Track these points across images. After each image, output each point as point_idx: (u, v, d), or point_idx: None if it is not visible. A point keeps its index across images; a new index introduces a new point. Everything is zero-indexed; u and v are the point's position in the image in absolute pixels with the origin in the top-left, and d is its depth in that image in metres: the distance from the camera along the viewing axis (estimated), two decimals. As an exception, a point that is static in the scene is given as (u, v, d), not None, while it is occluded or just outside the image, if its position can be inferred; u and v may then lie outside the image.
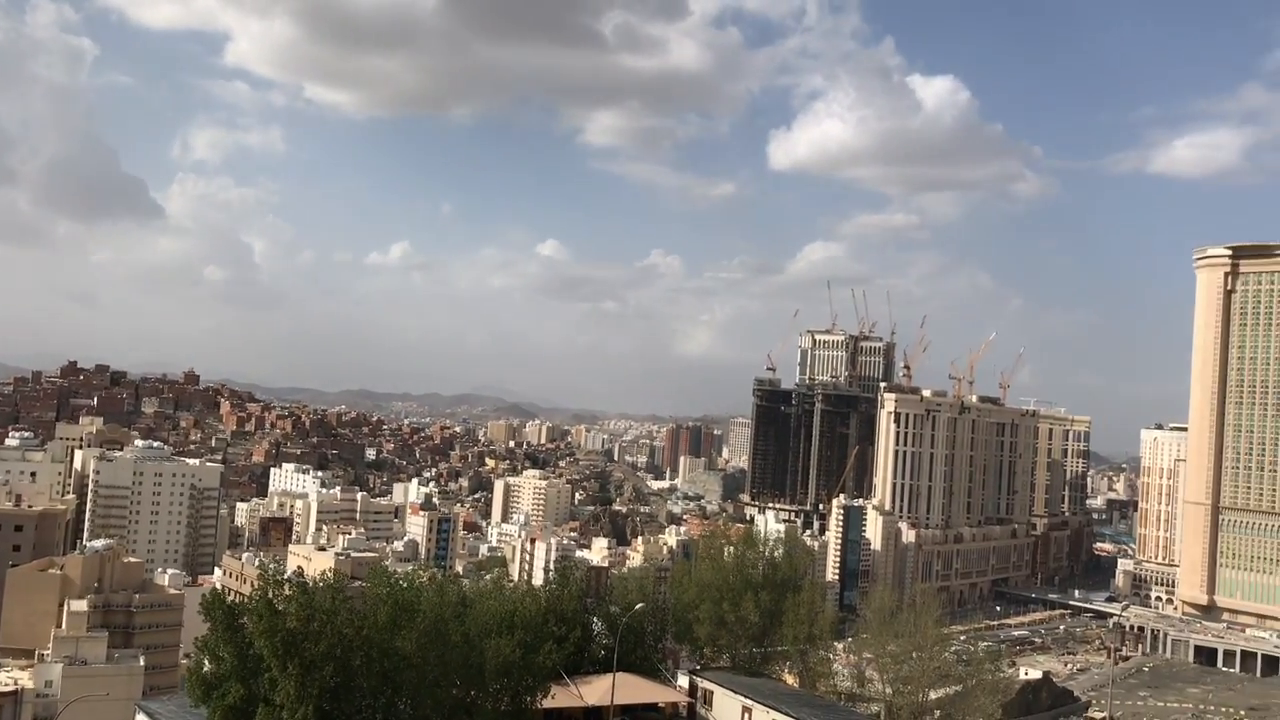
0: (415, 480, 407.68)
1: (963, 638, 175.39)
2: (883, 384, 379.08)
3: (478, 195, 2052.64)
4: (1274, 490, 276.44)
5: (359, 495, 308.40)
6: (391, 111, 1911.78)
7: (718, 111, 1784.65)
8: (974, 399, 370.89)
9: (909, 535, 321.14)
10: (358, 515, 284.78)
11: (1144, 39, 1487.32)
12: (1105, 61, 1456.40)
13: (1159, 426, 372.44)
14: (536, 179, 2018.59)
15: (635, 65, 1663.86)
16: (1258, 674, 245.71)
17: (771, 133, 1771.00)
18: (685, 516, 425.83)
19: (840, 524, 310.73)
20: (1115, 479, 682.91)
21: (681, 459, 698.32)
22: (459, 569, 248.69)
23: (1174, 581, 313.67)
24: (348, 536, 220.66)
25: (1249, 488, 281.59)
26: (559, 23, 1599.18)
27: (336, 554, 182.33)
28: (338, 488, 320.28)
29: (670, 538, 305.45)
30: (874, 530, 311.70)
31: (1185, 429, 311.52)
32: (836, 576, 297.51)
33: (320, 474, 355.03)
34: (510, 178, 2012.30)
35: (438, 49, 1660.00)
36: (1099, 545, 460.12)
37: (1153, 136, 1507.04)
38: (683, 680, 71.72)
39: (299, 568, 65.99)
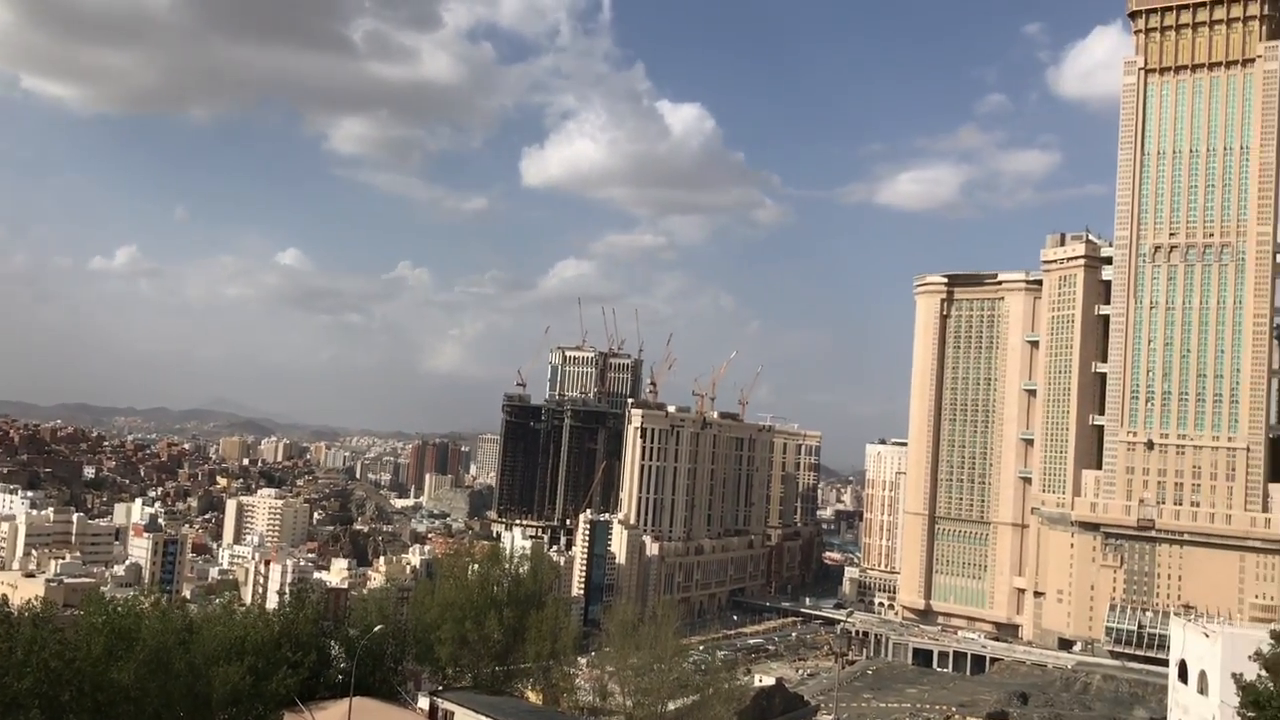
0: (139, 500, 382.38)
1: (701, 648, 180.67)
2: (630, 400, 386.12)
3: (214, 200, 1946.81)
4: (983, 501, 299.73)
5: (75, 516, 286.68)
6: (121, 109, 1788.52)
7: (470, 125, 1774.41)
8: (715, 415, 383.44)
9: (652, 548, 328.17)
10: (73, 538, 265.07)
11: (873, 80, 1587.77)
12: (839, 99, 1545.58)
13: (882, 441, 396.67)
14: (278, 185, 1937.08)
15: (385, 74, 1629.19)
16: (968, 673, 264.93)
17: (525, 149, 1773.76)
18: (430, 535, 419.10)
19: (586, 539, 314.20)
20: (843, 491, 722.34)
21: (427, 476, 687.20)
22: (186, 594, 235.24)
23: (895, 588, 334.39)
24: (61, 561, 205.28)
25: (961, 499, 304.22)
26: (306, 26, 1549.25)
27: (47, 580, 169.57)
28: (50, 509, 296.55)
29: (414, 557, 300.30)
30: (619, 544, 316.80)
31: (905, 444, 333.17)
32: (582, 591, 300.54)
33: (31, 494, 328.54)
34: (250, 183, 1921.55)
35: (174, 45, 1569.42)
36: (828, 554, 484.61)
37: (880, 170, 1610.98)
38: (423, 702, 70.36)
39: (3, 596, 60.85)
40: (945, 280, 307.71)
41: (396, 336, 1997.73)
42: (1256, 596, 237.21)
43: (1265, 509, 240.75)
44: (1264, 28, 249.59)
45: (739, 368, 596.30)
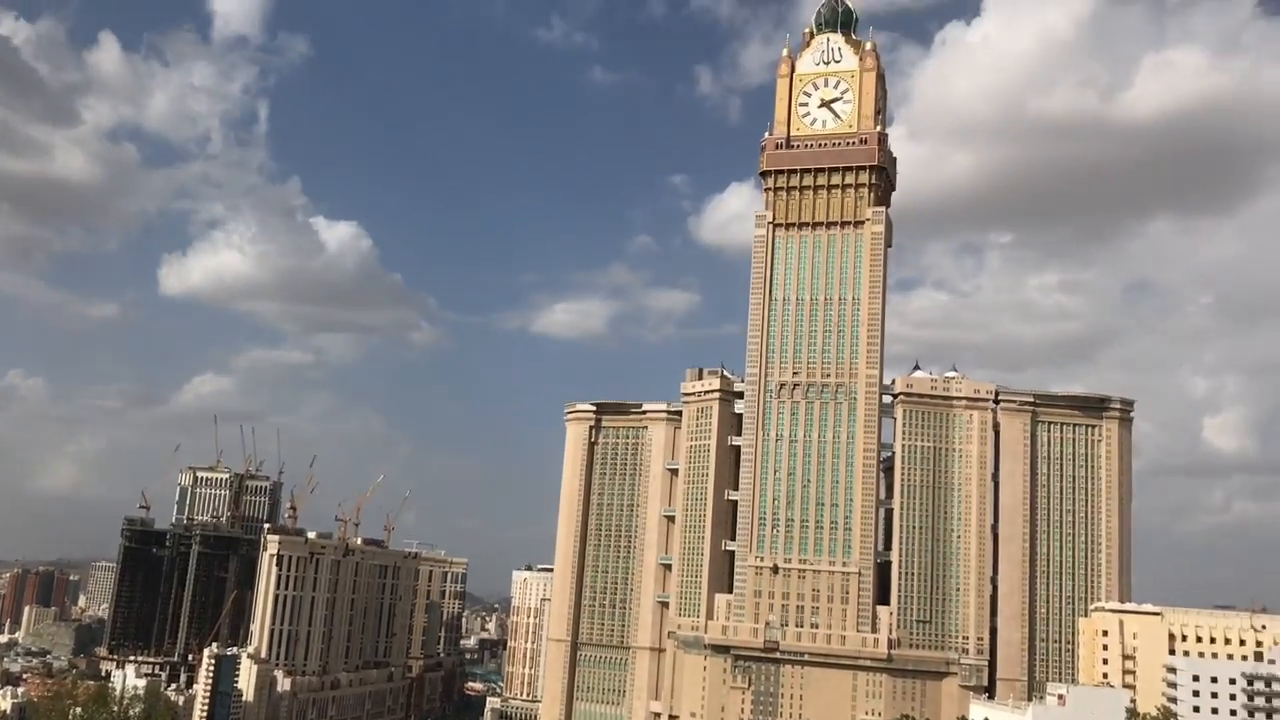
0: None
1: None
2: (267, 525, 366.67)
3: None
4: (623, 626, 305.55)
5: None
6: None
7: (106, 227, 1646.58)
8: (359, 541, 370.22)
9: (284, 683, 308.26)
10: None
11: (533, 213, 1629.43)
12: (498, 229, 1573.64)
13: (529, 568, 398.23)
14: None
15: (9, 167, 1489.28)
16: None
17: (165, 256, 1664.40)
18: (25, 675, 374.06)
19: (210, 675, 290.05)
20: (488, 619, 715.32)
21: (26, 609, 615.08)
22: None
23: (537, 716, 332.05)
24: None
25: (603, 624, 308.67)
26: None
27: None
28: None
29: (3, 701, 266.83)
30: (247, 680, 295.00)
31: (551, 569, 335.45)
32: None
33: None
34: None
35: None
36: (471, 685, 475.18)
37: (536, 300, 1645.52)
38: None
39: None
40: (594, 408, 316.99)
41: (1, 452, 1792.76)
42: (866, 713, 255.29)
43: (874, 630, 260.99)
44: (872, 195, 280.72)
45: (387, 492, 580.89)
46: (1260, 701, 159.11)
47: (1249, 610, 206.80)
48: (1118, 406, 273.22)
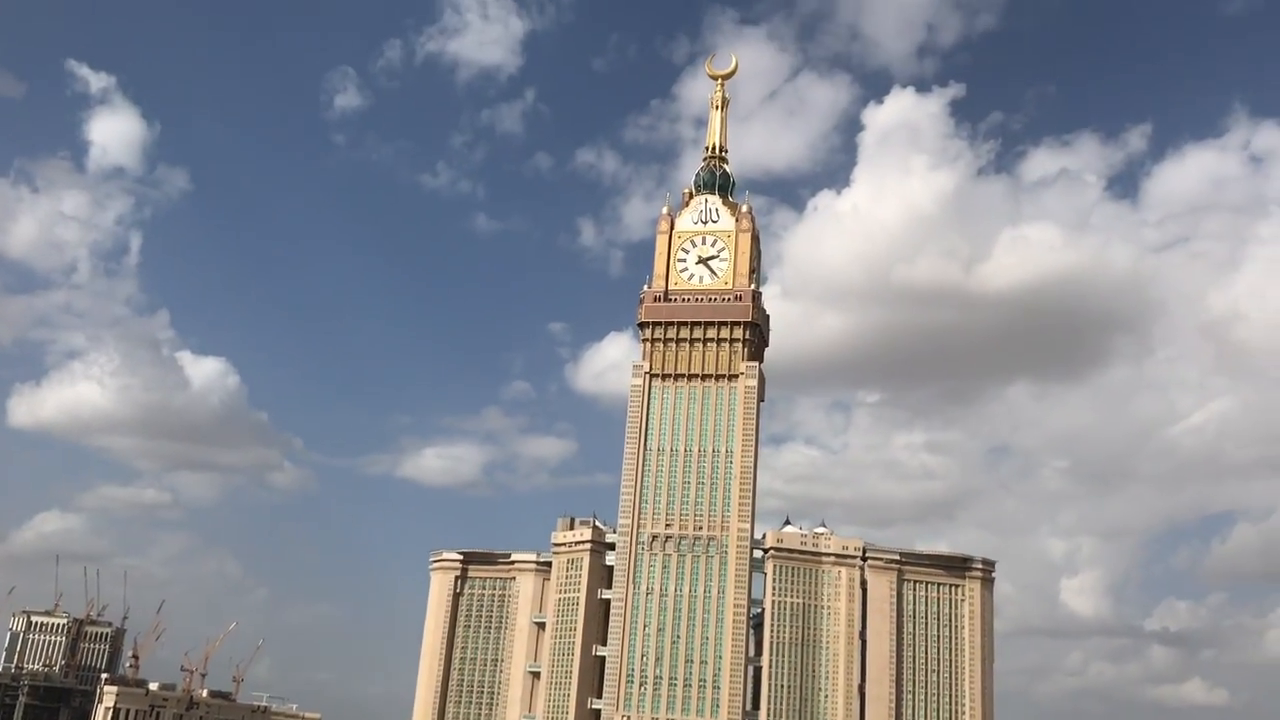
0: None
1: None
2: (105, 675, 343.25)
3: None
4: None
5: None
6: None
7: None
8: (205, 693, 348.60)
9: None
10: None
11: (406, 356, 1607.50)
12: (371, 371, 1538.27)
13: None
14: None
15: None
16: None
17: (17, 386, 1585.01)
18: None
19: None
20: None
21: None
22: None
23: None
24: None
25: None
26: None
27: None
28: None
29: None
30: None
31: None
32: None
33: None
34: None
35: None
36: None
37: (406, 443, 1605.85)
38: None
39: None
40: (460, 557, 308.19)
41: None
42: None
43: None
44: (746, 350, 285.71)
45: (239, 640, 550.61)
46: None
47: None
48: (980, 567, 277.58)
